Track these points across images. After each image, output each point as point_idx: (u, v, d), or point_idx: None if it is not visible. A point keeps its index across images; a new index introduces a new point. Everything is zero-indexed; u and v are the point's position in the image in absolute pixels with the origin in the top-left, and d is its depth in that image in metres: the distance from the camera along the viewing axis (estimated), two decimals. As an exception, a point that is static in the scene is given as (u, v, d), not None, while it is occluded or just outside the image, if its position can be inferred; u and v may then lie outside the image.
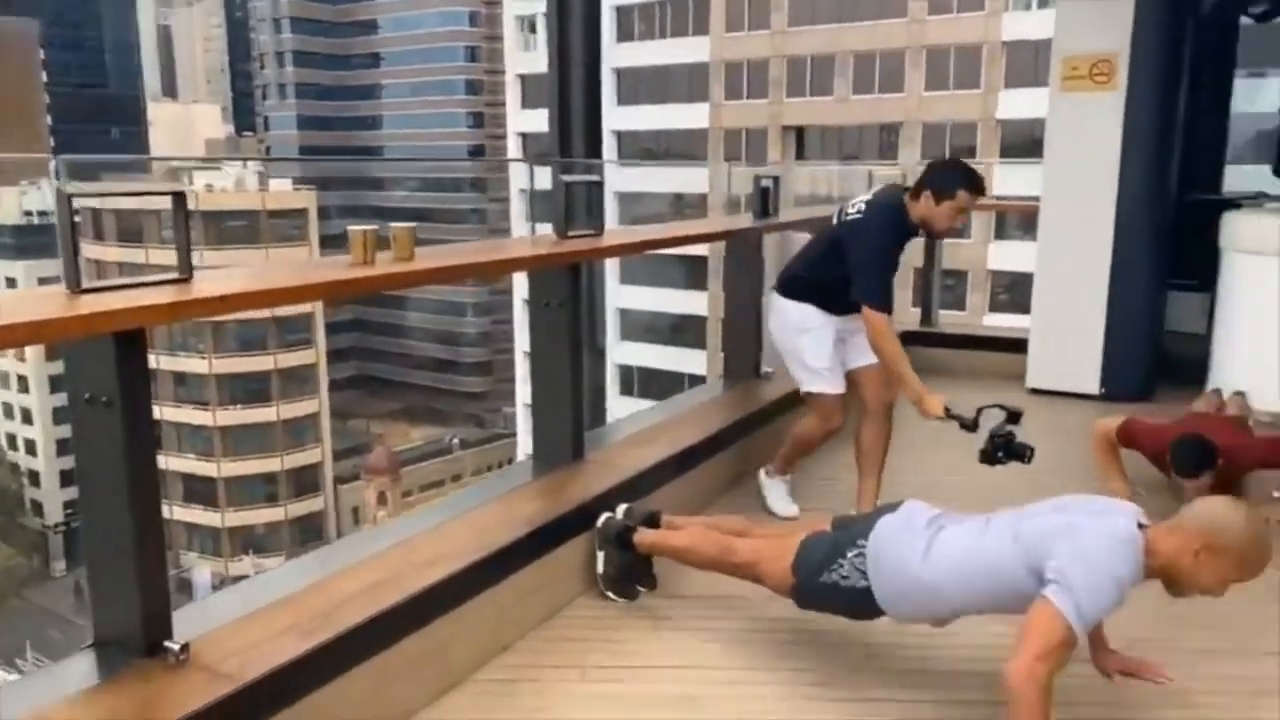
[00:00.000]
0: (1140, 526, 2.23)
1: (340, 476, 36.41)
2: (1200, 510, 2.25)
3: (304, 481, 34.95)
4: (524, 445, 29.65)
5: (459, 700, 2.46)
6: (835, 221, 3.56)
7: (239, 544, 32.93)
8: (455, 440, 40.30)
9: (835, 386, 3.62)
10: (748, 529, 3.00)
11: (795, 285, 3.64)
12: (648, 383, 27.81)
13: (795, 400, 4.83)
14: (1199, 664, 2.65)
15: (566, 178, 3.30)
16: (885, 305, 3.40)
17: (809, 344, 3.59)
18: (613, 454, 3.62)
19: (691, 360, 26.25)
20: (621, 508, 3.13)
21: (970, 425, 3.21)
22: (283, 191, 36.99)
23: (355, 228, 2.48)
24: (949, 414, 3.28)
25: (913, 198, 3.45)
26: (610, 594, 3.03)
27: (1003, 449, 3.04)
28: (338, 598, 2.30)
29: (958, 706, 2.45)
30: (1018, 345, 5.96)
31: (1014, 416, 3.09)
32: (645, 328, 30.48)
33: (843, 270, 3.44)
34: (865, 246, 3.43)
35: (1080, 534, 2.21)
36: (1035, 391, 5.64)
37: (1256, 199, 5.54)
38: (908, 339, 6.49)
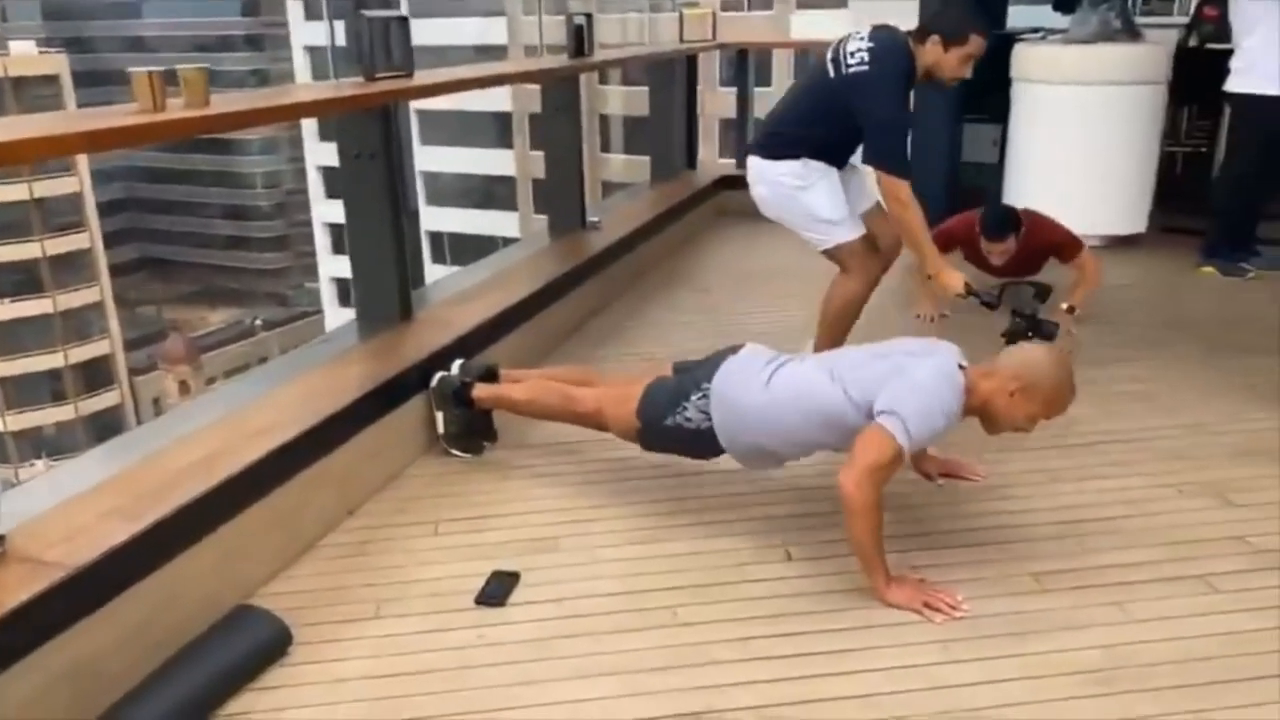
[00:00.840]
0: (960, 368, 2.37)
1: (135, 368, 34.11)
2: (1015, 356, 2.40)
3: (94, 376, 32.56)
4: (332, 322, 28.62)
5: (311, 566, 2.40)
6: (831, 72, 3.12)
7: (28, 448, 30.59)
8: (258, 321, 38.32)
9: (858, 229, 3.28)
10: (588, 377, 3.00)
11: (781, 143, 3.26)
12: (460, 250, 27.17)
13: (629, 245, 4.83)
14: (1004, 462, 2.91)
15: (368, 13, 3.04)
16: (907, 170, 3.08)
17: (816, 197, 3.23)
18: (442, 312, 3.52)
19: (504, 223, 25.79)
20: (457, 363, 3.07)
21: (993, 303, 3.16)
22: (26, 56, 32.95)
23: (138, 70, 2.21)
24: (969, 291, 3.14)
25: (917, 42, 3.11)
26: (454, 451, 3.00)
27: (1030, 328, 2.94)
28: (167, 475, 2.16)
29: (802, 519, 2.59)
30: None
31: (1043, 293, 2.96)
32: (454, 192, 29.56)
33: (842, 126, 3.12)
34: (881, 104, 3.06)
35: (911, 370, 2.33)
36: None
37: (1039, 33, 5.85)
38: (727, 182, 6.62)
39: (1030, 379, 2.31)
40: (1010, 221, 4.07)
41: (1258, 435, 3.08)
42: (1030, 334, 2.95)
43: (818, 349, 3.30)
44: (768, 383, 2.49)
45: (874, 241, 3.31)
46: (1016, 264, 4.21)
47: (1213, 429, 3.13)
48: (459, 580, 2.33)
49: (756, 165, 3.32)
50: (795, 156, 3.20)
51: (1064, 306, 4.14)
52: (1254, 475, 2.81)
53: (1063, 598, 2.25)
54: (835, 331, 3.37)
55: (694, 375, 2.63)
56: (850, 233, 3.26)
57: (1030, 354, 2.39)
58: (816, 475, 2.77)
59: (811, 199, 3.23)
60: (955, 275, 3.19)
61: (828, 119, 3.18)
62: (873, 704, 1.90)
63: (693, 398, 2.56)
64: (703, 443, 2.58)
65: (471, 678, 2.00)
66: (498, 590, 2.28)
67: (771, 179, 3.28)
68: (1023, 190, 5.39)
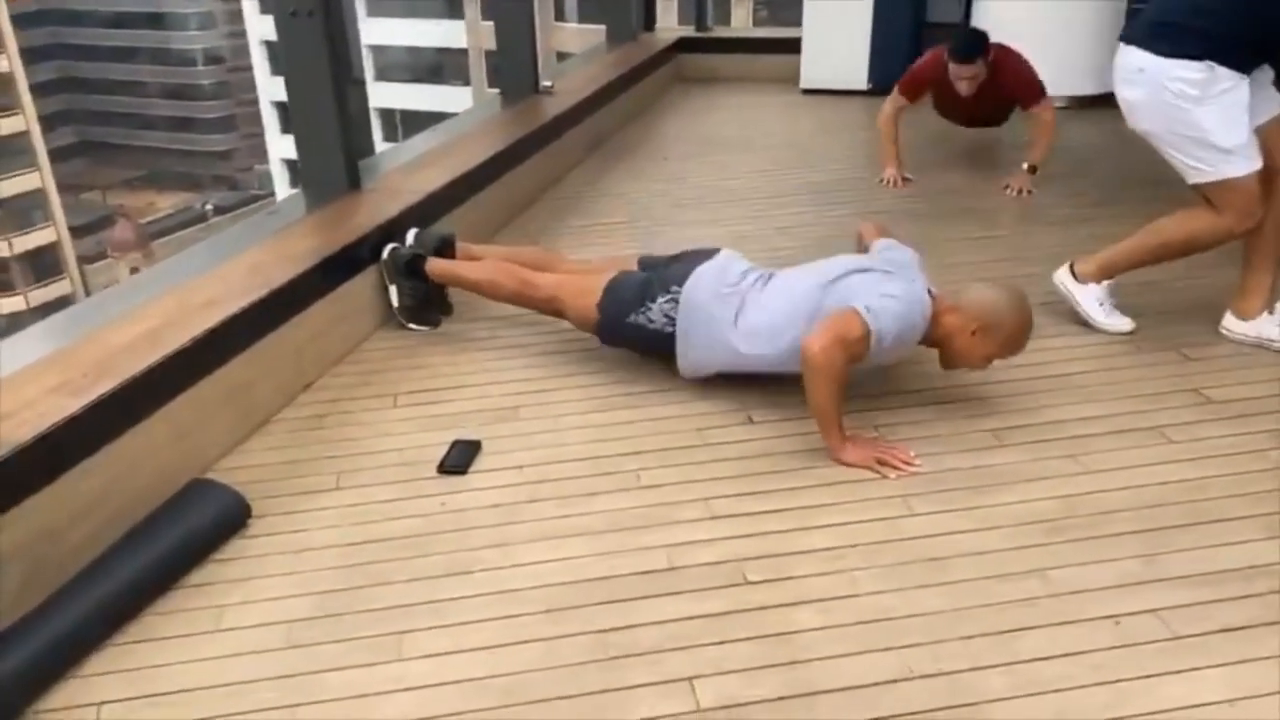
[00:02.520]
0: (930, 294, 2.36)
1: (85, 256, 33.23)
2: (980, 295, 2.38)
3: (42, 265, 31.73)
4: (287, 204, 27.84)
5: (268, 440, 2.37)
6: None
7: (-22, 340, 30.00)
8: (209, 206, 37.28)
9: (1255, 161, 2.54)
10: (548, 261, 2.93)
11: (1179, 36, 2.49)
12: (413, 128, 26.38)
13: (585, 111, 4.69)
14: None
15: None
16: None
17: (1216, 115, 2.48)
18: (392, 181, 3.41)
19: (456, 98, 24.99)
20: (411, 233, 2.98)
21: None
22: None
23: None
24: None
25: None
26: (411, 325, 2.94)
27: None
28: (113, 348, 2.09)
29: (763, 386, 2.58)
30: (790, 46, 5.97)
31: None
32: (403, 67, 28.53)
33: (1267, 19, 2.42)
34: None
35: (882, 283, 2.33)
36: (809, 91, 5.74)
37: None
38: (684, 46, 6.42)
39: (992, 321, 2.32)
40: (979, 44, 3.99)
41: (1216, 290, 3.09)
42: None
43: (1107, 264, 2.85)
44: (738, 316, 2.44)
45: (1270, 173, 2.59)
46: (983, 103, 4.14)
47: (1171, 285, 3.14)
48: (420, 450, 2.31)
49: (1135, 59, 2.57)
50: (1198, 56, 2.45)
51: (1025, 166, 4.10)
52: (1211, 329, 2.84)
53: (1020, 452, 2.28)
54: (1149, 259, 2.81)
55: (663, 276, 2.57)
56: (1246, 165, 2.53)
57: (994, 295, 2.37)
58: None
59: (1206, 117, 2.49)
60: None
61: (1252, 7, 2.44)
62: (834, 556, 1.93)
63: (660, 299, 2.52)
64: (663, 343, 2.55)
65: (437, 543, 1.99)
66: (460, 458, 2.26)
67: (1158, 81, 2.51)
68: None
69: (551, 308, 2.74)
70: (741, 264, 2.60)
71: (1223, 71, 2.45)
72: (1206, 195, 2.63)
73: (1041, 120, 4.08)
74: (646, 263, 2.73)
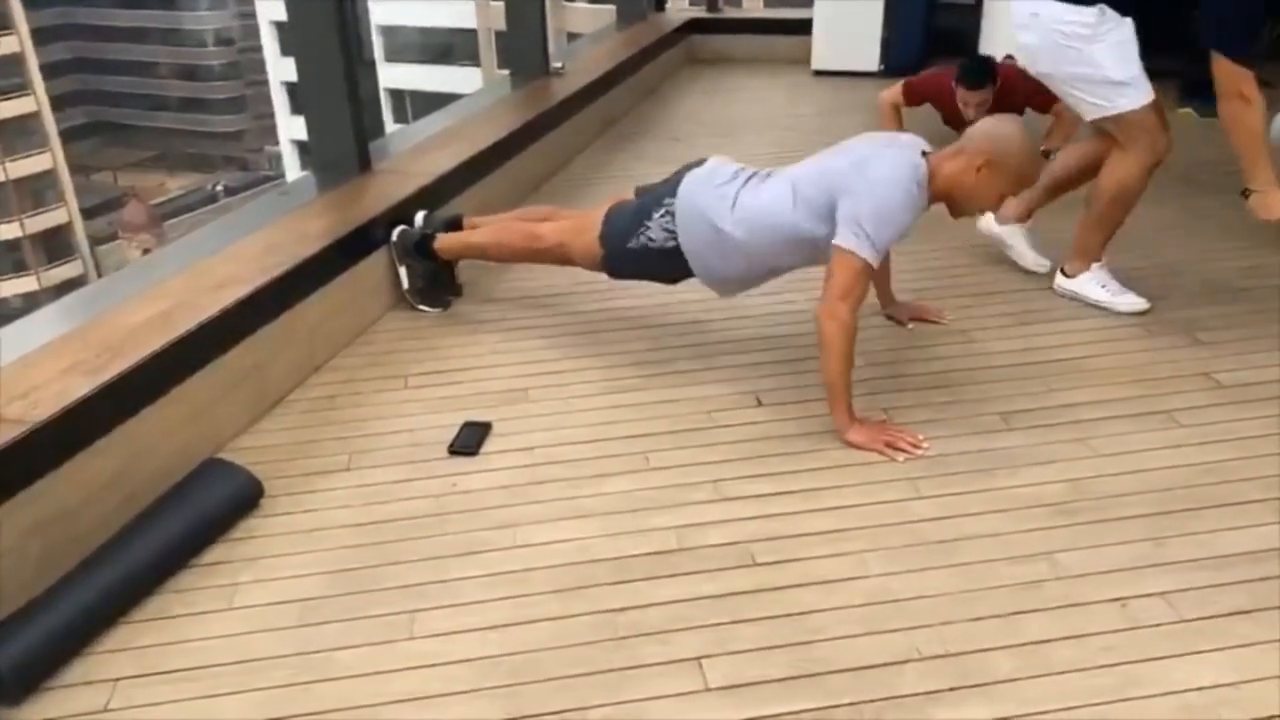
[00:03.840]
0: (923, 155, 2.29)
1: (96, 237, 33.28)
2: (981, 129, 2.31)
3: (54, 246, 31.81)
4: (297, 185, 27.81)
5: (281, 420, 2.38)
6: None
7: (-8, 322, 30.15)
8: (220, 187, 37.31)
9: (1148, 93, 2.67)
10: (550, 214, 2.92)
11: None
12: (423, 109, 26.32)
13: (595, 92, 4.68)
14: (975, 306, 2.91)
15: None
16: (1246, 50, 2.50)
17: (1108, 51, 2.61)
18: (403, 162, 3.41)
19: (466, 79, 24.91)
20: (420, 215, 2.99)
21: None
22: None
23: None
24: None
25: None
26: (420, 306, 2.95)
27: None
28: (127, 329, 2.11)
29: (771, 367, 2.59)
30: (801, 27, 5.94)
31: None
32: (413, 47, 28.42)
33: None
34: None
35: (869, 166, 2.25)
36: (820, 73, 5.71)
37: None
38: (695, 26, 6.39)
39: (998, 152, 2.23)
40: (987, 71, 3.98)
41: (1228, 274, 3.09)
42: None
43: (1082, 255, 2.91)
44: (733, 204, 2.39)
45: (1164, 111, 2.73)
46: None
47: (1184, 268, 3.14)
48: (431, 432, 2.32)
49: (1029, 5, 2.68)
50: (1090, 1, 2.58)
51: (1040, 150, 4.07)
52: (1222, 313, 2.83)
53: (1029, 435, 2.28)
54: (1105, 229, 2.86)
55: (656, 193, 2.54)
56: (1141, 97, 2.65)
57: (997, 127, 2.29)
58: (786, 325, 2.77)
59: (1100, 53, 2.60)
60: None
61: None
62: (842, 538, 1.94)
63: (655, 215, 2.48)
64: (670, 261, 2.50)
65: (447, 524, 2.01)
66: (470, 439, 2.27)
67: (1049, 25, 2.63)
68: (999, 34, 5.23)
69: (558, 254, 2.71)
70: (732, 165, 2.54)
71: (1110, 13, 2.59)
72: (1113, 132, 2.73)
73: (1062, 115, 4.04)
74: (641, 189, 2.68)
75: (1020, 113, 4.09)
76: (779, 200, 2.36)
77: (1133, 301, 2.86)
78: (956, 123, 4.20)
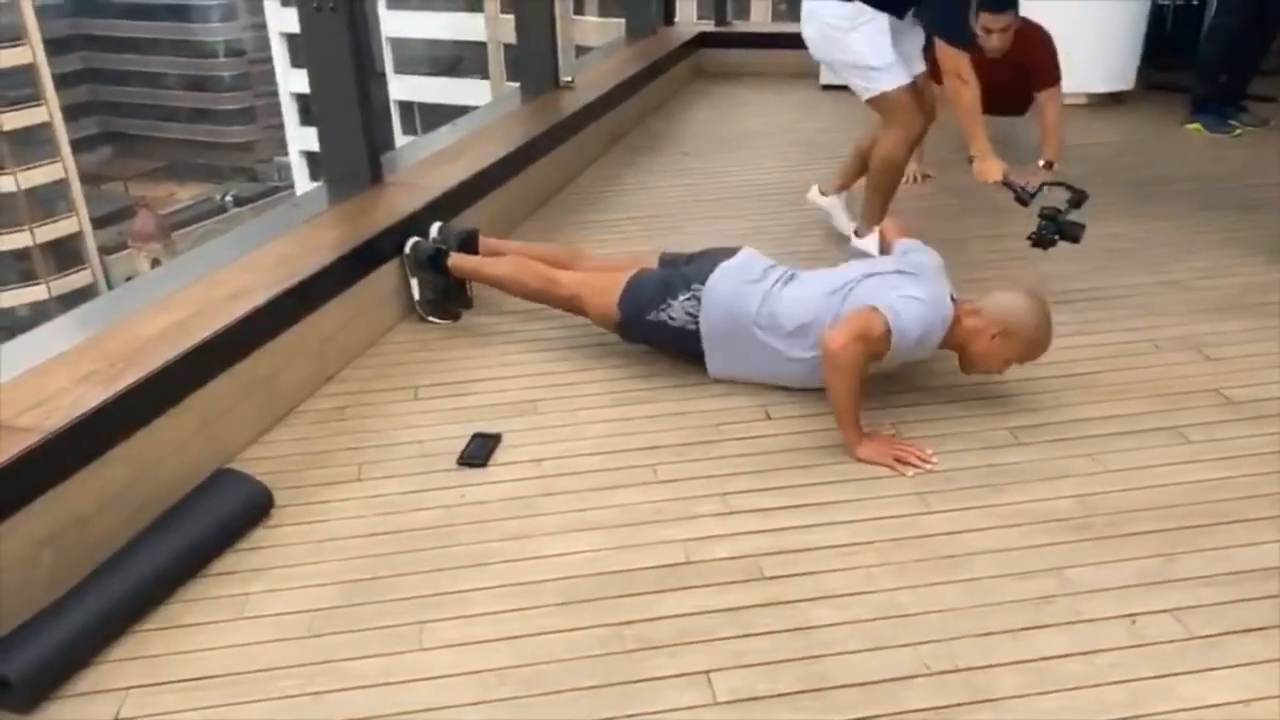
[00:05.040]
0: (951, 299, 2.37)
1: (106, 246, 33.46)
2: (1001, 300, 2.39)
3: (64, 255, 31.97)
4: (305, 196, 27.88)
5: (291, 431, 2.39)
6: None
7: (3, 332, 30.30)
8: (229, 197, 37.50)
9: (903, 77, 3.07)
10: (570, 258, 2.94)
11: None
12: (432, 121, 26.42)
13: (604, 106, 4.70)
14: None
15: None
16: (966, 40, 3.05)
17: (863, 41, 3.01)
18: (414, 175, 3.43)
19: (476, 91, 25.03)
20: (435, 226, 3.00)
21: (1024, 199, 3.07)
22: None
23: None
24: (1005, 182, 3.10)
25: None
26: (431, 318, 2.96)
27: (1055, 230, 2.84)
28: (141, 339, 2.12)
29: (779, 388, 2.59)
30: (810, 42, 5.95)
31: (1078, 199, 2.88)
32: (423, 60, 28.57)
33: None
34: None
35: (906, 285, 2.35)
36: (827, 88, 5.72)
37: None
38: (704, 40, 6.41)
39: (1012, 325, 2.33)
40: None
41: (1238, 290, 3.09)
42: (1057, 237, 2.87)
43: (868, 218, 3.28)
44: (758, 308, 2.45)
45: (921, 95, 3.17)
46: (1006, 80, 4.09)
47: (1193, 284, 3.13)
48: (440, 443, 2.33)
49: (808, 4, 3.12)
50: None
51: (1041, 163, 4.07)
52: (1232, 329, 2.83)
53: (1038, 450, 2.28)
54: (881, 195, 3.26)
55: (683, 273, 2.58)
56: (895, 80, 3.04)
57: (1016, 300, 2.38)
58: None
59: (858, 41, 3.00)
60: (994, 166, 3.12)
61: None
62: (851, 553, 1.94)
63: (680, 297, 2.53)
64: (684, 342, 2.56)
65: (456, 535, 2.01)
66: (479, 451, 2.28)
67: (820, 19, 3.06)
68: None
69: (573, 305, 2.75)
70: (762, 261, 2.61)
71: (865, 8, 2.98)
72: (877, 111, 3.19)
73: (1049, 111, 4.03)
74: (667, 259, 2.74)
75: (1027, 77, 4.05)
76: (800, 306, 2.43)
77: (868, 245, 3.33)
78: (977, 66, 4.17)
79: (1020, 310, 2.35)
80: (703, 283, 2.52)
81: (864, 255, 3.15)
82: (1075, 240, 2.86)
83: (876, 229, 3.20)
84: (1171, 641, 1.69)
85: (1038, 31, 4.02)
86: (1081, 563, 1.89)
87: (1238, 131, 4.81)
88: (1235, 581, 1.83)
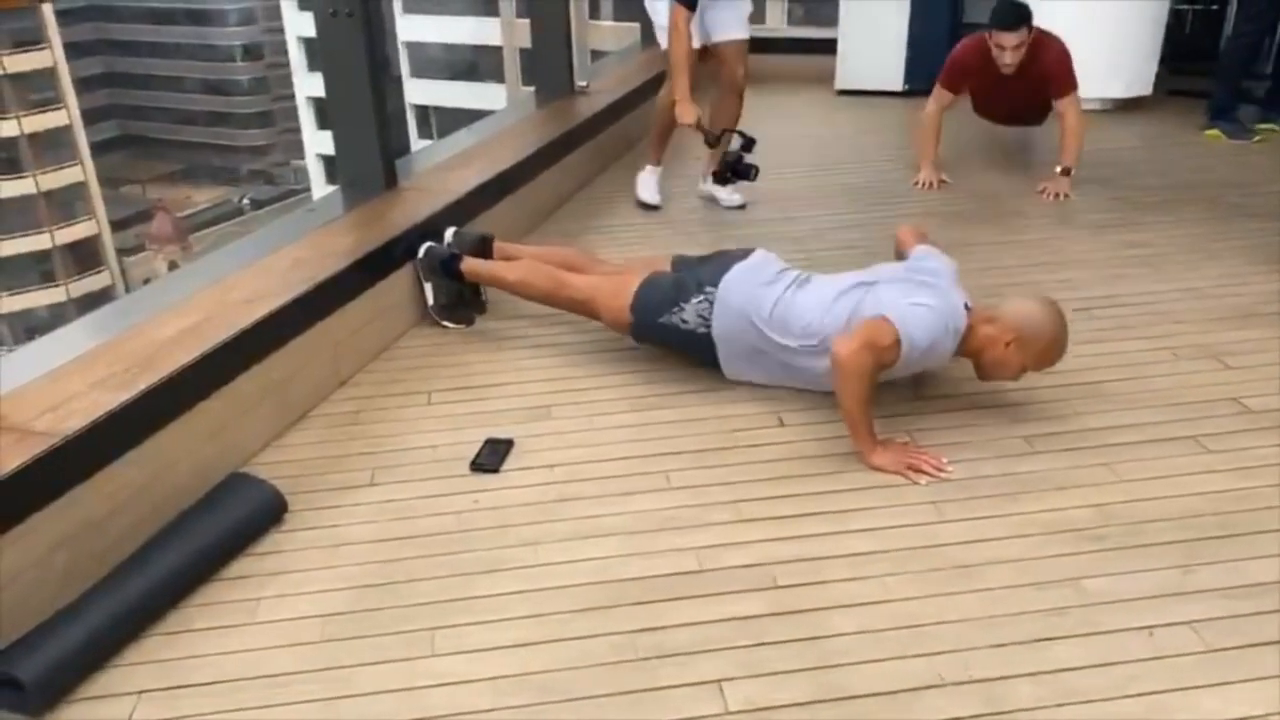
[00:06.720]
0: (966, 308, 2.35)
1: (124, 248, 33.69)
2: (1017, 307, 2.37)
3: (83, 257, 32.21)
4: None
5: (304, 435, 2.40)
6: None
7: (21, 331, 30.51)
8: (246, 200, 37.70)
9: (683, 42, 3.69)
10: (582, 262, 2.94)
11: None
12: (447, 124, 26.51)
13: (619, 111, 4.72)
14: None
15: None
16: (690, 2, 3.53)
17: (664, 8, 3.63)
18: (429, 180, 3.44)
19: (491, 95, 25.10)
20: (449, 231, 3.01)
21: (712, 142, 3.73)
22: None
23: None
24: (698, 126, 3.63)
25: None
26: (445, 322, 2.97)
27: (731, 169, 3.61)
28: (155, 343, 2.13)
29: (789, 388, 2.58)
30: (825, 47, 5.95)
31: (749, 144, 3.58)
32: (439, 64, 28.67)
33: None
34: None
35: (918, 293, 2.32)
36: (844, 92, 5.71)
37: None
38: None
39: (1028, 332, 2.31)
40: (1022, 13, 3.90)
41: (1257, 298, 3.06)
42: (731, 175, 3.66)
43: (648, 155, 4.04)
44: (771, 310, 2.44)
45: (717, 67, 3.87)
46: (1021, 92, 4.07)
47: (1212, 293, 3.11)
48: (454, 448, 2.33)
49: None
50: None
51: (1059, 169, 4.06)
52: (1252, 338, 2.80)
53: (1054, 459, 2.26)
54: (657, 136, 4.01)
55: (696, 275, 2.57)
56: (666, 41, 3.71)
57: (1031, 308, 2.37)
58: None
59: (661, 11, 3.69)
60: (691, 109, 3.63)
61: None
62: (864, 562, 1.93)
63: (693, 300, 2.52)
64: (696, 346, 2.55)
65: (469, 540, 2.01)
66: (492, 456, 2.28)
67: None
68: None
69: (585, 309, 2.75)
70: (776, 264, 2.60)
71: None
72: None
73: (1068, 116, 4.02)
74: (680, 263, 2.73)
75: (1044, 89, 4.04)
76: (812, 310, 2.42)
77: (652, 197, 4.02)
78: (991, 105, 4.17)
79: (1036, 317, 2.33)
80: (715, 285, 2.51)
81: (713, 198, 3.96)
82: (747, 178, 3.64)
83: (649, 167, 4.03)
84: (1189, 654, 1.67)
85: (1052, 42, 4.01)
86: (1098, 573, 1.88)
87: (1257, 138, 4.77)
88: (1254, 594, 1.81)
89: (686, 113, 3.60)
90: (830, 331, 2.34)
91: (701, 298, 2.51)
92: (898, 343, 2.22)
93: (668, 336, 2.60)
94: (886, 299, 2.33)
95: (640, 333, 2.66)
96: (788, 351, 2.45)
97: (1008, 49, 3.92)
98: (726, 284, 2.51)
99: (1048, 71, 3.99)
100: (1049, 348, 2.34)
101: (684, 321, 2.53)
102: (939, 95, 4.23)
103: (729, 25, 3.78)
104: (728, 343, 2.52)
